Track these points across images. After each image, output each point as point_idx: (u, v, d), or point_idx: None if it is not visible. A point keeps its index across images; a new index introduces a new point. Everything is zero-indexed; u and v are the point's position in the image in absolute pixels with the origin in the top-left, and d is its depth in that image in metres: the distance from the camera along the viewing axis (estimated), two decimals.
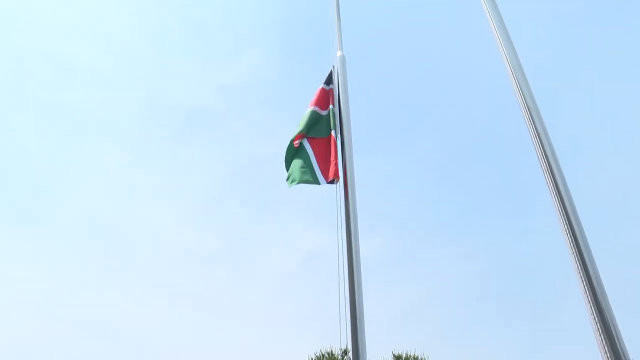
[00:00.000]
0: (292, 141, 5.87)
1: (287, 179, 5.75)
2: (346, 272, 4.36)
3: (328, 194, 5.23)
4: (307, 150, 5.76)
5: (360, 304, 4.18)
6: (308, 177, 5.60)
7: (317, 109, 5.99)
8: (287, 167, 5.85)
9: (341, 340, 3.98)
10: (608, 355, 3.42)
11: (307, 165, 5.67)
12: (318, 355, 28.15)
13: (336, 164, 5.53)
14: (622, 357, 3.38)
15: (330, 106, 5.96)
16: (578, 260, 3.83)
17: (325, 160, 5.64)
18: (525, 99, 4.77)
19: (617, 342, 3.45)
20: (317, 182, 5.57)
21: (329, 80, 6.22)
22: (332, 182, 5.53)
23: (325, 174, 5.57)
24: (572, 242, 3.93)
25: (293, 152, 5.87)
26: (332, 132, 5.73)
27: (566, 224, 4.02)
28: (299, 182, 5.63)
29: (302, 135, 5.84)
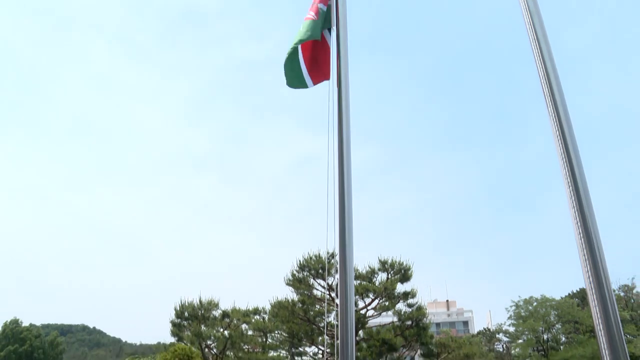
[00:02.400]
0: (290, 51, 5.70)
1: (286, 80, 5.73)
2: (336, 171, 4.35)
3: (322, 95, 5.14)
4: (299, 54, 5.65)
5: (349, 207, 4.20)
6: (296, 82, 5.56)
7: (313, 15, 5.76)
8: (285, 71, 5.77)
9: (328, 244, 4.02)
10: (588, 268, 3.50)
11: (297, 69, 5.60)
12: (306, 257, 29.11)
13: (327, 64, 5.45)
14: (602, 271, 3.47)
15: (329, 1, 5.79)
16: (569, 173, 3.84)
17: (313, 62, 5.56)
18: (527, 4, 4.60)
19: (597, 255, 3.53)
20: (304, 85, 5.54)
21: None
22: (321, 82, 5.50)
23: (313, 76, 5.51)
24: (564, 154, 3.92)
25: (289, 57, 5.75)
26: (324, 31, 5.61)
27: (560, 136, 4.00)
28: (292, 86, 5.62)
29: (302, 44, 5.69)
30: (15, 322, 54.56)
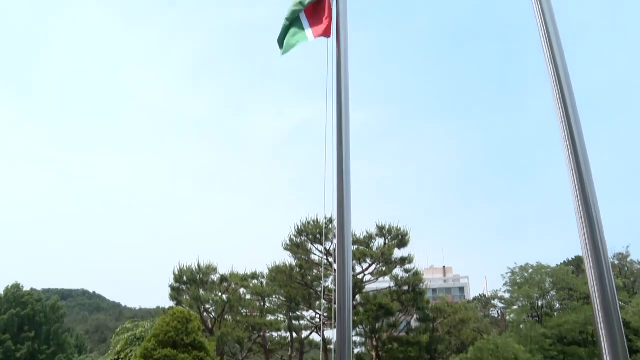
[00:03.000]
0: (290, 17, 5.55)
1: (280, 48, 5.60)
2: (335, 135, 4.31)
3: (320, 60, 5.06)
4: (300, 15, 5.54)
5: (347, 171, 4.17)
6: (296, 38, 5.45)
7: None
8: (281, 38, 5.63)
9: (326, 209, 4.01)
10: (586, 236, 3.51)
11: (297, 25, 5.48)
12: (304, 222, 29.25)
13: (328, 19, 5.36)
14: (599, 239, 3.48)
15: None
16: (569, 140, 3.81)
17: (316, 18, 5.45)
18: None
19: (595, 222, 3.53)
20: (305, 38, 5.43)
21: None
22: (321, 36, 5.41)
23: (315, 29, 5.40)
24: (564, 120, 3.89)
25: (287, 23, 5.62)
26: None
27: (561, 102, 3.96)
28: (289, 49, 5.50)
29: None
30: (17, 287, 54.98)
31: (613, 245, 47.73)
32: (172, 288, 30.43)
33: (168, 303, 31.59)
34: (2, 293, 54.13)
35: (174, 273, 30.59)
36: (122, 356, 23.13)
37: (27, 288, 56.81)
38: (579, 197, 3.66)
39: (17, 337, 51.08)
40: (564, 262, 51.85)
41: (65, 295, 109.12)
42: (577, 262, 49.15)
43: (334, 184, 4.10)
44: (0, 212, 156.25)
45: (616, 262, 48.09)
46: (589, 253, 3.48)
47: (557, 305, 43.32)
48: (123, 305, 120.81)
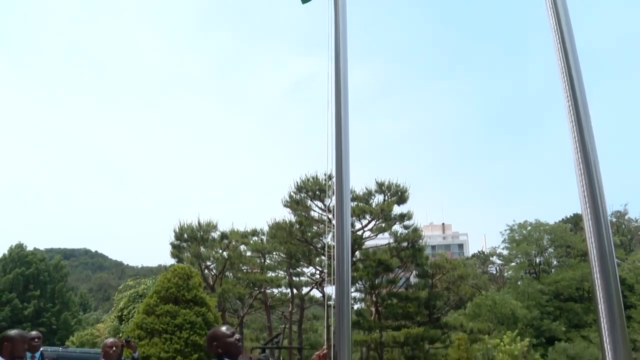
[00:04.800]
0: None
1: None
2: (333, 91, 4.25)
3: (319, 15, 4.94)
4: None
5: (345, 126, 4.12)
6: None
7: None
8: None
9: (327, 166, 3.98)
10: (585, 194, 3.50)
11: None
12: (303, 179, 29.25)
13: None
14: (598, 197, 3.47)
15: None
16: (570, 98, 3.76)
17: None
18: None
19: (595, 180, 3.51)
20: None
21: None
22: None
23: None
24: (566, 77, 3.83)
25: None
26: None
27: (563, 58, 3.88)
28: None
29: None
30: (20, 247, 55.37)
31: (611, 203, 47.98)
32: (173, 246, 30.59)
33: (169, 261, 31.87)
34: (7, 253, 54.63)
35: (174, 231, 30.73)
36: (125, 312, 23.53)
37: (30, 248, 57.28)
38: (579, 155, 3.63)
39: (23, 296, 51.84)
40: (563, 219, 52.15)
41: (68, 254, 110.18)
42: (576, 220, 49.43)
43: (332, 140, 4.05)
44: (2, 174, 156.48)
45: (614, 219, 48.43)
46: (588, 211, 3.47)
47: (555, 262, 43.85)
48: (125, 263, 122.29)
